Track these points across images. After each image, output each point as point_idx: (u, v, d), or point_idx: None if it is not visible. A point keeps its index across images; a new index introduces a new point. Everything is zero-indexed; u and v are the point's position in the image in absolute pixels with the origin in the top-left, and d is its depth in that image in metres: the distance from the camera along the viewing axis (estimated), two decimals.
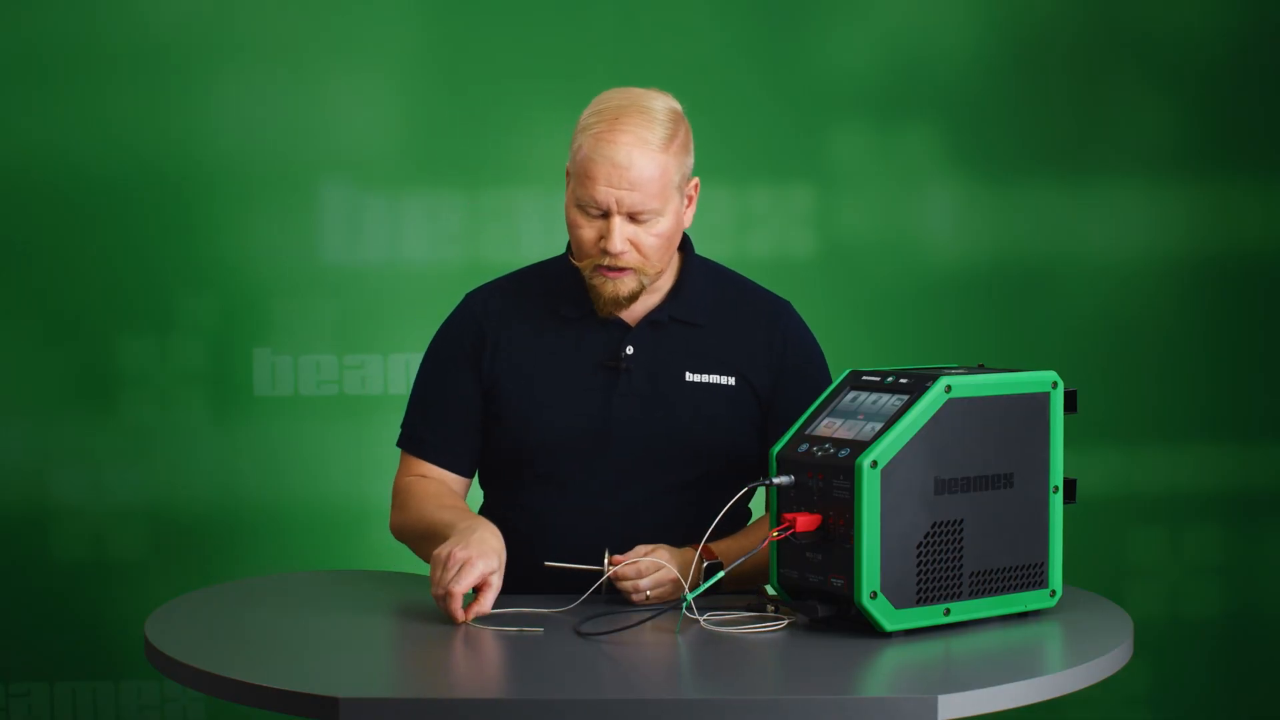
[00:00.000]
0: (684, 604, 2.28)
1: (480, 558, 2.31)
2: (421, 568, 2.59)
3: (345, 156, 3.80)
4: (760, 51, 3.85)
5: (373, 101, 3.80)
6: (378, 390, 3.79)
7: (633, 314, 2.58)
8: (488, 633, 2.28)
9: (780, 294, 2.70)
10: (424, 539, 2.52)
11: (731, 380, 2.58)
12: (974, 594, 2.27)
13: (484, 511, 2.67)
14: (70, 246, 3.77)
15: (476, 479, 2.69)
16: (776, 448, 2.30)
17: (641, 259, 2.48)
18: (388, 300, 3.82)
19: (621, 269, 2.48)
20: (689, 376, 2.57)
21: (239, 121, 3.78)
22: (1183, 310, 3.95)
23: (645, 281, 2.51)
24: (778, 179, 3.86)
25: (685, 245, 2.63)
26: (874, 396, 2.29)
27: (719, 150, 2.64)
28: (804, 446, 2.27)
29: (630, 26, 3.82)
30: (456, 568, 2.30)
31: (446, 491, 2.59)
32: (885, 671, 2.11)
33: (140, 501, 3.80)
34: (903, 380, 2.28)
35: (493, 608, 2.34)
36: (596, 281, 2.51)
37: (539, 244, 3.69)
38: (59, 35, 3.75)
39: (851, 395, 2.32)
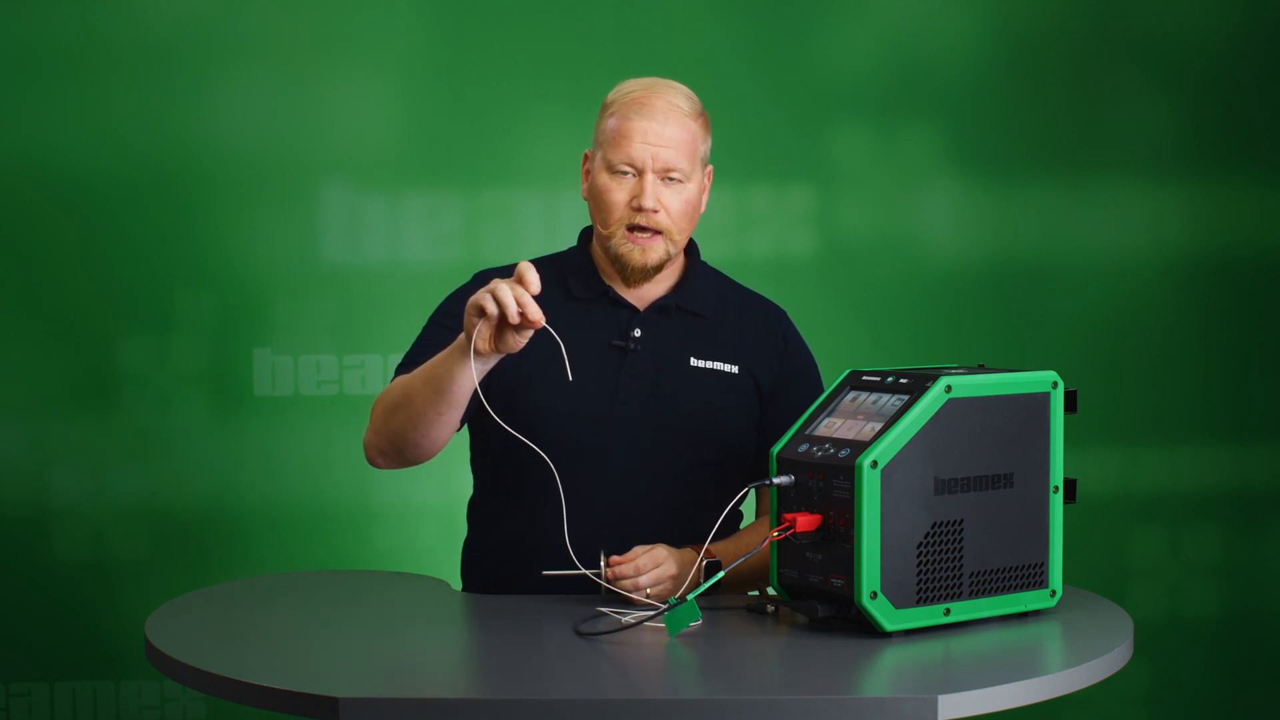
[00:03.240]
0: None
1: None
2: (417, 564, 2.58)
3: (345, 157, 3.80)
4: (760, 51, 3.85)
5: (373, 102, 3.80)
6: (378, 390, 3.78)
7: (641, 299, 2.61)
8: (486, 633, 2.27)
9: (780, 293, 2.74)
10: (411, 396, 2.40)
11: (735, 369, 2.61)
12: (974, 594, 2.27)
13: (477, 507, 2.67)
14: (70, 246, 3.77)
15: (470, 474, 2.69)
16: (776, 448, 2.30)
17: (670, 222, 2.53)
18: (388, 300, 3.81)
19: (651, 233, 2.52)
20: (694, 362, 2.59)
21: (239, 121, 3.78)
22: (1183, 310, 3.95)
23: (671, 251, 2.55)
24: (778, 179, 3.86)
25: (692, 248, 2.66)
26: (874, 396, 2.29)
27: (719, 150, 2.64)
28: (804, 446, 2.27)
29: (630, 26, 3.82)
30: (509, 281, 2.21)
31: None
32: (885, 671, 2.11)
33: (140, 501, 3.80)
34: (903, 380, 2.28)
35: (504, 603, 2.34)
36: (624, 250, 2.54)
37: (539, 244, 3.70)
38: (59, 35, 3.75)
39: (851, 395, 2.32)
